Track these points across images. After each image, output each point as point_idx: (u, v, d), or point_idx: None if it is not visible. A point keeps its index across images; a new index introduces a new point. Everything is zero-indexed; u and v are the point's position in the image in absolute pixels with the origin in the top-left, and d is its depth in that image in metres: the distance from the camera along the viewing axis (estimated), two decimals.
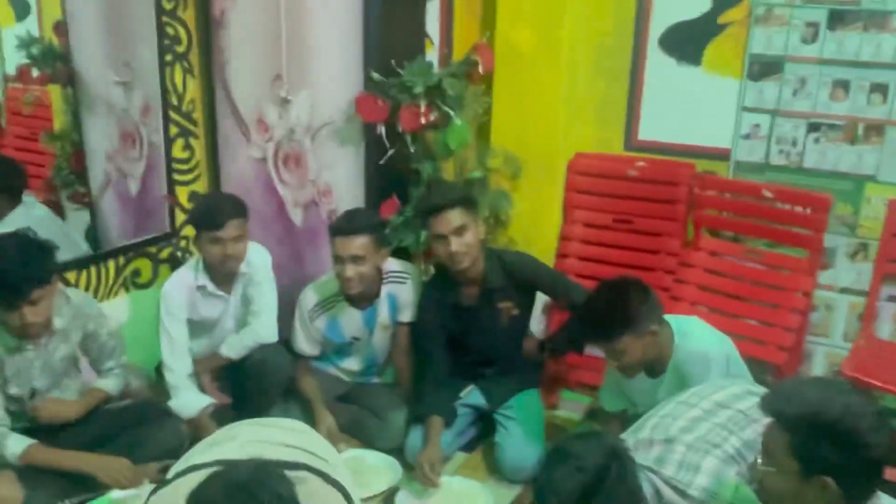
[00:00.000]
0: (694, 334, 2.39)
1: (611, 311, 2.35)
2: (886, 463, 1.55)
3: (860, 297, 3.02)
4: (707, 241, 3.16)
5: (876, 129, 2.89)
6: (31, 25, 3.13)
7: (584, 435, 2.29)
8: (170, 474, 1.74)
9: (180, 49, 3.13)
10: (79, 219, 3.16)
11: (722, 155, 3.15)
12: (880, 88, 2.85)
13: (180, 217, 3.26)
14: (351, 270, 2.73)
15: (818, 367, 3.15)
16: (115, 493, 2.51)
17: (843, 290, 3.07)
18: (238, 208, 2.78)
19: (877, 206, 2.93)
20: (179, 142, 3.21)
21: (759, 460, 1.63)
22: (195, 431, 2.74)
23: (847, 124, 2.93)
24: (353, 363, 3.06)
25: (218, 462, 1.66)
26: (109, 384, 2.72)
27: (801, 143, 3.02)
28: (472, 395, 2.96)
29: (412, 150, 3.12)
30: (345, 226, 2.76)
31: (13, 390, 2.50)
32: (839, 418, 1.49)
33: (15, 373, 2.48)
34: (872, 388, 2.65)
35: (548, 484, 2.00)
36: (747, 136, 3.09)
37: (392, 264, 2.96)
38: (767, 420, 1.62)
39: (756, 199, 3.06)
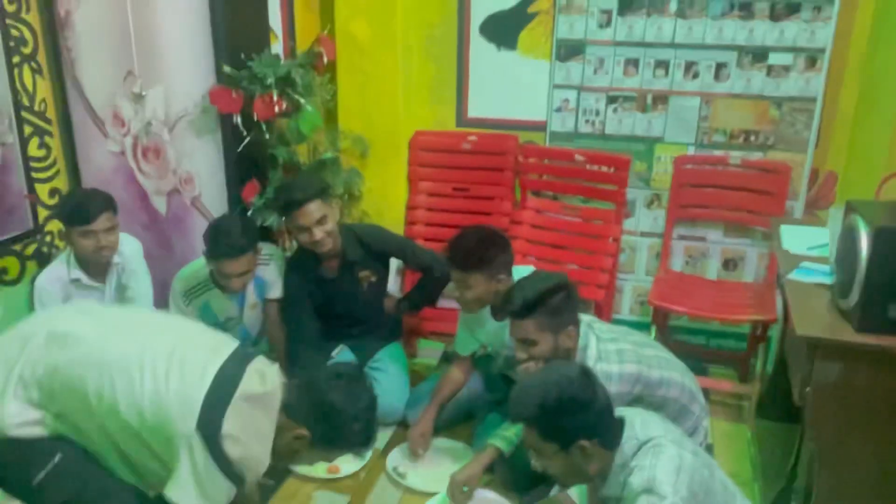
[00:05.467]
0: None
1: (476, 248, 2.43)
2: (608, 404, 1.72)
3: (657, 238, 3.29)
4: (532, 201, 3.33)
5: (661, 99, 3.14)
6: None
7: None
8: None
9: (27, 50, 2.89)
10: None
11: (539, 126, 3.31)
12: (663, 65, 3.10)
13: (43, 213, 3.04)
14: (240, 282, 2.70)
15: (627, 299, 3.42)
16: None
17: (644, 234, 3.33)
18: (107, 201, 2.65)
19: (665, 162, 3.20)
20: (34, 140, 2.97)
21: (534, 461, 1.74)
22: None
23: (638, 95, 3.16)
24: None
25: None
26: None
27: (602, 113, 3.22)
28: (342, 354, 2.99)
29: (268, 136, 3.06)
30: (230, 251, 2.62)
31: None
32: (557, 396, 1.65)
33: None
34: (671, 311, 2.96)
35: (519, 289, 2.18)
36: (559, 110, 3.26)
37: None
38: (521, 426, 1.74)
39: (570, 163, 3.23)
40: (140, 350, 1.67)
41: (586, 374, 1.73)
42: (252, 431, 1.63)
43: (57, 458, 1.70)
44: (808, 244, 2.42)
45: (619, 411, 1.81)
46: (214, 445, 1.58)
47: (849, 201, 2.03)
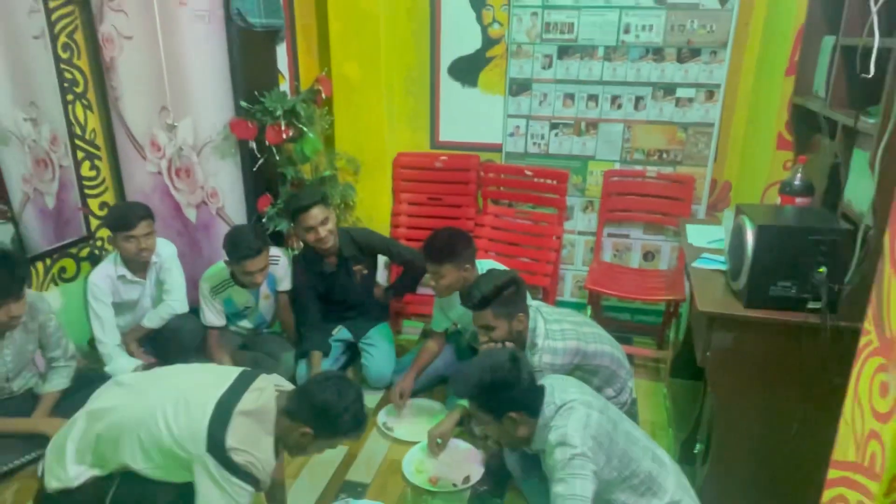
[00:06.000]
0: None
1: (446, 243, 2.46)
2: (532, 382, 1.77)
3: (591, 236, 3.33)
4: (491, 208, 3.35)
5: (593, 125, 3.18)
6: None
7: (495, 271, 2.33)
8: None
9: (79, 89, 2.89)
10: (4, 231, 2.81)
11: (496, 148, 3.33)
12: (593, 98, 3.14)
13: (94, 223, 3.04)
14: (261, 277, 2.68)
15: (568, 285, 3.46)
16: None
17: (580, 233, 3.36)
18: (145, 211, 2.66)
19: (597, 176, 3.24)
20: (86, 163, 2.98)
21: (477, 429, 1.81)
22: None
23: (575, 122, 3.20)
24: (246, 323, 2.97)
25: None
26: (59, 383, 2.45)
27: (546, 137, 3.25)
28: (341, 333, 3.01)
29: (277, 158, 3.07)
30: (250, 252, 2.59)
31: None
32: (490, 379, 1.72)
33: None
34: (602, 294, 3.00)
35: (476, 286, 2.16)
36: (512, 134, 3.29)
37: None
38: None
39: (521, 177, 3.26)
40: (153, 405, 1.69)
41: (514, 360, 1.76)
42: (251, 440, 1.65)
43: (118, 479, 1.76)
44: (708, 239, 2.47)
45: (544, 379, 1.84)
46: (223, 459, 1.62)
47: (738, 205, 2.07)
